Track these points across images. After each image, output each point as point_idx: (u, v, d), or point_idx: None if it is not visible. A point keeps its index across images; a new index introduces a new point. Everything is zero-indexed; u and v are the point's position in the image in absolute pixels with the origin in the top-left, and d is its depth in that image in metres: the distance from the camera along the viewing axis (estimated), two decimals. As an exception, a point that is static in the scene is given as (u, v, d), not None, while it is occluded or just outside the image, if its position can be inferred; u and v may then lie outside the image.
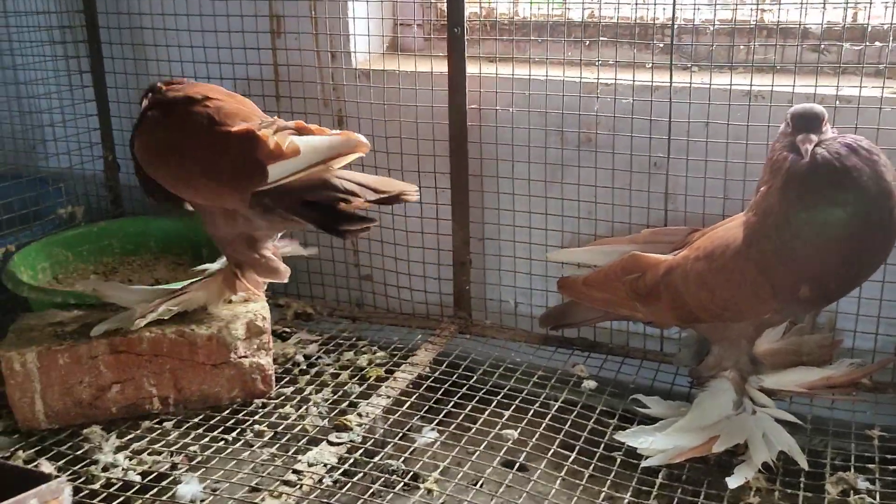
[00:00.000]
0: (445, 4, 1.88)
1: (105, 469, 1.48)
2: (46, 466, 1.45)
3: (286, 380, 1.79)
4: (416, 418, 1.64)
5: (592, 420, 1.61)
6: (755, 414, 1.55)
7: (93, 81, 2.28)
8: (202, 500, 1.39)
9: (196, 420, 1.64)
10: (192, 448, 1.55)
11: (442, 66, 1.91)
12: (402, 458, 1.51)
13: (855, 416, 1.60)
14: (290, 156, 1.51)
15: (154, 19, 2.18)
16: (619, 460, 1.50)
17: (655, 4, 1.78)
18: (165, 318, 1.68)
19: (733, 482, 1.42)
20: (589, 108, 1.82)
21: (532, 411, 1.63)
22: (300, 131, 1.59)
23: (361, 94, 2.02)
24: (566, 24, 1.91)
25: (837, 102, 1.62)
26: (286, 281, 1.76)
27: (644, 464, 1.49)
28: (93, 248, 2.17)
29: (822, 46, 1.70)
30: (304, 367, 1.85)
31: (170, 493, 1.40)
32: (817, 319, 1.73)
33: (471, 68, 1.89)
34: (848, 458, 1.48)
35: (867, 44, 1.63)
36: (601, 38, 1.81)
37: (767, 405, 1.57)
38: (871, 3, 1.65)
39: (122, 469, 1.48)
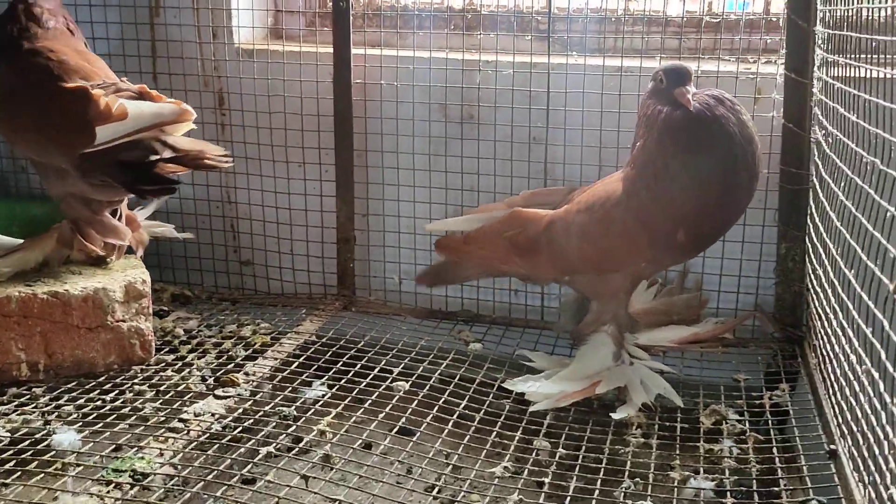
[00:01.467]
0: (330, -17, 1.93)
1: (-32, 430, 1.38)
2: None
3: (166, 350, 1.73)
4: (304, 376, 1.61)
5: (480, 374, 1.63)
6: (632, 364, 1.63)
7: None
8: (80, 449, 1.31)
9: (69, 386, 1.55)
10: (65, 409, 1.46)
11: (325, 48, 1.94)
12: (293, 408, 1.48)
13: (722, 368, 1.70)
14: (117, 119, 1.50)
15: None
16: (507, 406, 1.53)
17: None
18: (2, 279, 1.60)
19: (616, 415, 1.48)
20: (471, 84, 1.89)
21: (419, 370, 1.64)
22: (141, 96, 1.58)
23: (244, 71, 2.01)
24: (447, 11, 1.99)
25: (700, 74, 1.75)
26: (126, 242, 1.74)
27: (532, 408, 1.53)
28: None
29: (682, 33, 1.85)
30: (185, 339, 1.79)
31: (44, 444, 1.31)
32: (685, 283, 1.85)
33: (355, 49, 1.92)
34: (718, 398, 1.57)
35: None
36: (482, 19, 1.89)
37: (643, 358, 1.66)
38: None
39: (-11, 428, 1.38)
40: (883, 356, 1.02)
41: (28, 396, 1.52)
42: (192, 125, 1.60)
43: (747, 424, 1.48)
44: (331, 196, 2.01)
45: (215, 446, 1.32)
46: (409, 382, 1.59)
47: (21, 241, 1.74)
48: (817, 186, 1.52)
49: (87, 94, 1.51)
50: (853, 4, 1.24)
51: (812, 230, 1.61)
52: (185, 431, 1.35)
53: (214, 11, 2.01)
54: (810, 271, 1.63)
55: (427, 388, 1.56)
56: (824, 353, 1.43)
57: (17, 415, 1.43)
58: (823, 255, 1.43)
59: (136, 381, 1.58)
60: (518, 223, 1.66)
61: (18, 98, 1.61)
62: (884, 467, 1.02)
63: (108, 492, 1.17)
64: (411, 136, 1.95)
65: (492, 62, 1.88)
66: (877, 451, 1.05)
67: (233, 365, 1.65)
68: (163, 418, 1.42)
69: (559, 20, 1.91)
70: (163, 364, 1.66)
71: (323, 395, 1.54)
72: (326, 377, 1.60)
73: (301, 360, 1.67)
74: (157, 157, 1.53)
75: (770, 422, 1.48)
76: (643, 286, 1.78)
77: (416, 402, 1.51)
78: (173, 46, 2.05)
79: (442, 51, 1.93)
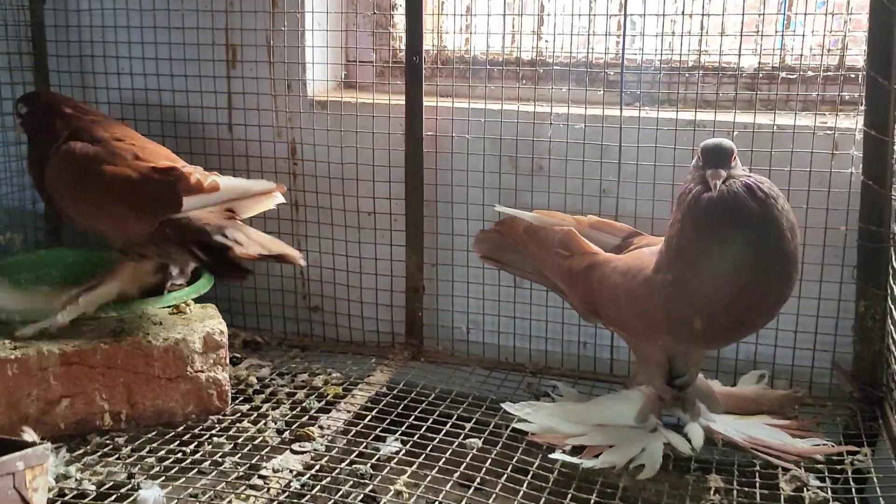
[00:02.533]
0: (402, 39, 1.97)
1: (57, 480, 1.41)
2: (30, 435, 1.38)
3: (241, 399, 1.76)
4: (377, 430, 1.62)
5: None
6: (655, 431, 1.57)
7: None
8: (165, 505, 1.34)
9: (150, 435, 1.59)
10: (148, 461, 1.49)
11: (397, 98, 1.97)
12: (369, 465, 1.49)
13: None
14: (209, 190, 1.66)
15: (106, 47, 2.18)
16: (581, 466, 1.51)
17: (607, 36, 1.89)
18: (89, 311, 1.69)
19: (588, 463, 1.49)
20: (541, 136, 1.90)
21: (491, 426, 1.63)
22: None
23: (317, 122, 2.06)
24: (518, 62, 2.01)
25: (776, 129, 1.74)
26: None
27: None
28: (31, 276, 2.09)
29: (756, 85, 1.84)
30: (258, 388, 1.82)
31: (130, 500, 1.34)
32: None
33: (427, 101, 1.95)
34: (797, 463, 1.53)
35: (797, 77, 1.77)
36: (554, 67, 1.90)
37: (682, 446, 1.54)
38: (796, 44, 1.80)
39: (76, 480, 1.42)
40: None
41: (111, 446, 1.55)
42: (281, 198, 1.76)
43: (829, 492, 1.44)
44: (400, 245, 2.03)
45: (295, 505, 1.34)
46: (482, 439, 1.59)
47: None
48: (901, 246, 1.49)
49: (178, 170, 1.68)
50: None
51: (894, 289, 1.57)
52: (266, 489, 1.37)
53: (289, 65, 2.06)
54: (892, 331, 1.59)
55: (500, 445, 1.56)
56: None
57: (102, 466, 1.47)
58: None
59: (213, 432, 1.61)
60: (569, 247, 1.64)
61: (98, 178, 1.72)
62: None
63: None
64: (481, 188, 1.97)
65: (563, 115, 1.89)
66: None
67: (307, 417, 1.67)
68: (242, 473, 1.44)
69: (631, 71, 1.92)
70: (238, 414, 1.68)
71: (397, 452, 1.55)
72: (399, 432, 1.61)
73: (374, 412, 1.68)
74: (246, 251, 1.63)
75: (853, 489, 1.44)
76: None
77: (489, 460, 1.50)
78: (249, 99, 2.10)
79: (512, 102, 1.94)
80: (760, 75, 1.82)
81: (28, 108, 1.87)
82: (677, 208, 1.45)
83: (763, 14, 1.77)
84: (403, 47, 1.95)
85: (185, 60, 2.12)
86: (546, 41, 1.99)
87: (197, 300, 1.87)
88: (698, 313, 1.41)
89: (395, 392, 1.79)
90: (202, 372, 1.66)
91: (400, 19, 2.06)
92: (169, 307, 1.80)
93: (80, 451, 1.53)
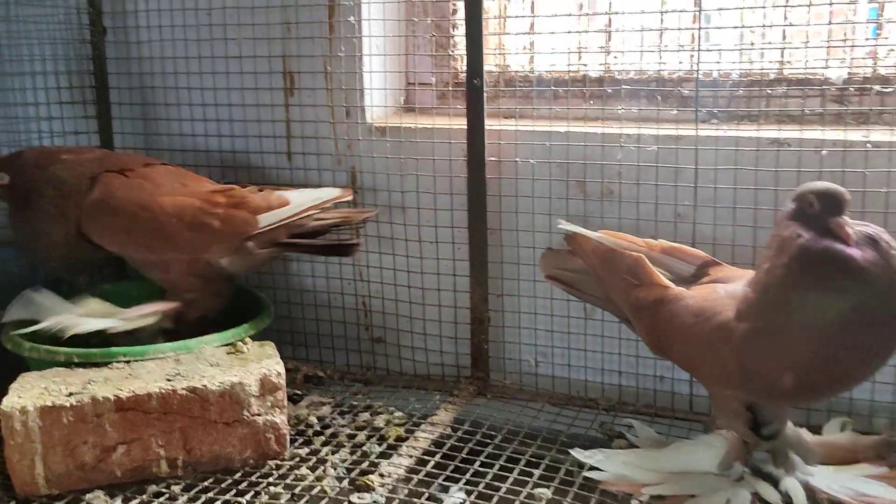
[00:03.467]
0: (463, 60, 1.88)
1: (111, 534, 1.37)
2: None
3: (300, 441, 1.70)
4: (440, 478, 1.54)
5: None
6: (741, 480, 1.44)
7: (100, 142, 2.23)
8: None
9: (206, 483, 1.54)
10: (204, 511, 1.44)
11: (458, 122, 1.89)
12: (431, 519, 1.41)
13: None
14: (277, 206, 1.79)
15: (165, 78, 2.16)
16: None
17: (680, 52, 1.77)
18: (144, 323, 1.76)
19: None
20: (611, 158, 1.80)
21: (562, 472, 1.53)
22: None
23: (376, 149, 1.99)
24: (584, 79, 1.90)
25: (869, 146, 1.60)
26: None
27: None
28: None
29: (845, 97, 1.69)
30: (318, 429, 1.76)
31: (184, 557, 1.29)
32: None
33: (489, 123, 1.86)
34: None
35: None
36: (623, 87, 1.79)
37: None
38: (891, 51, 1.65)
39: (130, 534, 1.37)
40: None
41: (167, 496, 1.51)
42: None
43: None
44: (464, 276, 1.94)
45: (351, 563, 1.26)
46: (552, 488, 1.49)
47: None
48: None
49: (240, 191, 1.77)
50: None
51: None
52: (322, 547, 1.30)
53: (347, 91, 2.00)
54: None
55: (571, 495, 1.46)
56: None
57: (157, 518, 1.42)
58: None
59: (271, 479, 1.54)
60: (637, 275, 1.52)
61: (159, 210, 1.74)
62: None
63: None
64: (548, 215, 1.87)
65: (633, 135, 1.78)
66: None
67: (367, 463, 1.60)
68: (298, 527, 1.38)
69: (706, 87, 1.79)
70: (297, 459, 1.62)
71: (462, 503, 1.46)
72: (464, 479, 1.52)
73: (437, 457, 1.60)
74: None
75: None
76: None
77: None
78: (307, 126, 2.05)
79: (579, 123, 1.84)
80: (851, 88, 1.68)
81: (10, 172, 1.83)
82: (776, 254, 1.33)
83: (851, 22, 1.63)
84: (464, 69, 1.87)
85: (243, 89, 2.09)
86: (614, 57, 1.89)
87: (257, 336, 1.83)
88: (791, 370, 1.29)
89: (459, 433, 1.70)
90: (259, 415, 1.60)
91: (460, 39, 1.98)
92: (227, 345, 1.76)
93: (137, 501, 1.49)
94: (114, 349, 1.71)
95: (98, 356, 1.69)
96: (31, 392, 1.54)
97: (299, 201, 1.80)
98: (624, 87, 1.80)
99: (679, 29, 1.77)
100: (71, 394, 1.53)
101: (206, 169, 2.14)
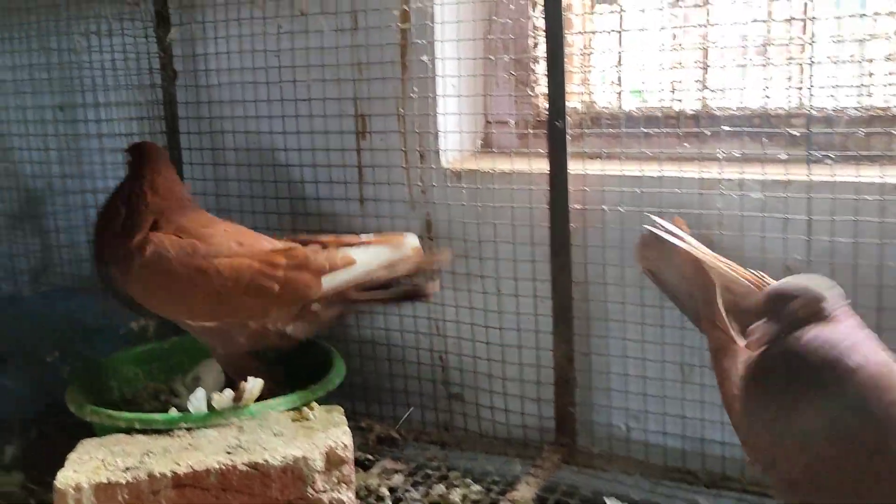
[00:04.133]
0: (544, 98, 1.74)
1: None
2: None
3: (369, 518, 1.58)
4: (522, 570, 1.39)
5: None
6: None
7: (171, 188, 2.18)
8: None
9: (267, 567, 1.43)
10: None
11: (540, 165, 1.74)
12: None
13: None
14: (342, 266, 1.65)
15: (235, 123, 2.09)
16: None
17: (789, 90, 1.58)
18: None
19: None
20: (710, 206, 1.62)
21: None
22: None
23: (451, 195, 1.86)
24: (679, 117, 1.73)
25: None
26: None
27: None
28: (163, 365, 2.02)
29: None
30: (390, 503, 1.63)
31: None
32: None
33: (573, 166, 1.71)
34: None
35: None
36: (723, 126, 1.61)
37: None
38: None
39: None
40: None
41: (225, 580, 1.40)
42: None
43: None
44: (547, 332, 1.79)
45: None
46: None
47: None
48: None
49: (301, 251, 1.65)
50: None
51: None
52: None
53: (421, 134, 1.88)
54: None
55: None
56: None
57: None
58: None
59: (336, 564, 1.42)
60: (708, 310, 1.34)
61: (215, 274, 1.63)
62: None
63: None
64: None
65: (735, 179, 1.60)
66: None
67: (441, 548, 1.46)
68: None
69: (819, 124, 1.60)
70: (365, 540, 1.50)
71: None
72: (547, 572, 1.37)
73: (517, 544, 1.45)
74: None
75: None
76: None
77: None
78: (379, 172, 1.94)
79: (674, 165, 1.67)
80: None
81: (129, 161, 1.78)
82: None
83: None
84: (546, 106, 1.72)
85: (313, 133, 1.99)
86: (712, 92, 1.71)
87: (325, 397, 1.72)
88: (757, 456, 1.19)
89: (543, 513, 1.55)
90: (325, 492, 1.48)
91: (541, 76, 1.84)
92: (294, 409, 1.65)
93: (193, 586, 1.39)
94: (175, 416, 1.63)
95: (159, 422, 1.60)
96: (88, 465, 1.46)
97: (366, 260, 1.66)
98: (724, 125, 1.62)
99: (788, 63, 1.58)
100: (127, 468, 1.44)
101: (276, 216, 2.06)
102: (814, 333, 1.12)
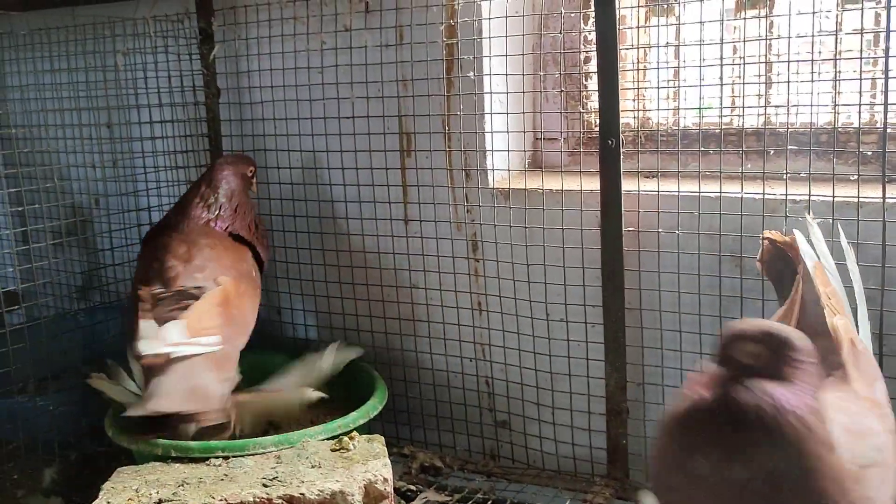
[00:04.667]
0: (596, 115, 1.66)
1: None
2: None
3: (410, 555, 1.51)
4: None
5: None
6: None
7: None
8: None
9: None
10: None
11: (591, 184, 1.67)
12: None
13: None
14: None
15: (278, 140, 2.05)
16: None
17: (860, 107, 1.48)
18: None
19: None
20: (773, 229, 1.52)
21: None
22: None
23: (499, 215, 1.79)
24: (740, 134, 1.64)
25: None
26: None
27: None
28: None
29: None
30: (432, 539, 1.56)
31: None
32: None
33: (626, 185, 1.63)
34: None
35: None
36: (788, 145, 1.52)
37: None
38: None
39: None
40: None
41: None
42: None
43: None
44: (598, 360, 1.70)
45: None
46: None
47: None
48: None
49: None
50: None
51: None
52: None
53: (467, 153, 1.81)
54: None
55: None
56: None
57: None
58: None
59: None
60: None
61: None
62: None
63: None
64: (696, 294, 1.60)
65: (801, 201, 1.50)
66: None
67: (484, 593, 1.38)
68: None
69: (894, 140, 1.50)
70: (406, 579, 1.43)
71: None
72: None
73: (566, 588, 1.36)
74: None
75: None
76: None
77: None
78: (424, 191, 1.88)
79: (734, 185, 1.57)
80: None
81: None
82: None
83: None
84: (597, 122, 1.64)
85: (356, 152, 1.94)
86: (776, 108, 1.61)
87: (367, 424, 1.66)
88: None
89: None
90: (363, 529, 1.42)
91: (593, 92, 1.76)
92: (334, 438, 1.59)
93: None
94: (213, 443, 1.58)
95: (196, 450, 1.55)
96: (121, 496, 1.41)
97: None
98: (789, 144, 1.53)
99: (858, 78, 1.47)
100: (161, 500, 1.40)
101: (319, 236, 2.01)
102: (760, 390, 1.00)
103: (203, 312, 1.61)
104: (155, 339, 1.55)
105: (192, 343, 1.54)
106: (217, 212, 1.82)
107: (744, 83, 1.58)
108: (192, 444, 1.58)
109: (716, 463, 0.99)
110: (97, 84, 2.15)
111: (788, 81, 1.52)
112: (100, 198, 2.30)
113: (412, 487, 1.74)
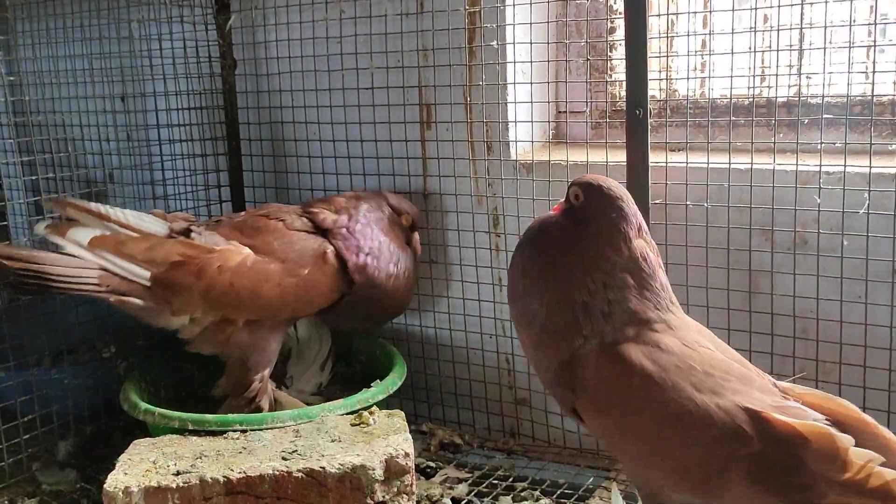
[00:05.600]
0: (622, 86, 1.62)
1: None
2: None
3: (431, 532, 1.48)
4: None
5: None
6: None
7: (230, 180, 2.12)
8: None
9: (322, 582, 1.34)
10: None
11: (617, 156, 1.63)
12: None
13: None
14: None
15: (295, 112, 2.01)
16: None
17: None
18: None
19: None
20: (806, 202, 1.48)
21: None
22: None
23: (521, 188, 1.75)
24: (771, 105, 1.59)
25: None
26: None
27: None
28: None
29: None
30: (453, 515, 1.54)
31: None
32: None
33: (653, 158, 1.59)
34: None
35: None
36: (822, 115, 1.47)
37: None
38: None
39: None
40: None
41: None
42: None
43: None
44: (623, 336, 1.66)
45: None
46: None
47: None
48: None
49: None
50: None
51: None
52: None
53: (489, 124, 1.78)
54: None
55: None
56: None
57: None
58: None
59: (395, 581, 1.33)
60: None
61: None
62: None
63: None
64: (725, 269, 1.57)
65: (835, 173, 1.46)
66: None
67: (507, 569, 1.36)
68: None
69: (928, 112, 1.45)
70: (427, 555, 1.40)
71: None
72: None
73: (591, 566, 1.34)
74: None
75: None
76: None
77: None
78: (445, 164, 1.84)
79: (766, 157, 1.53)
80: None
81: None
82: None
83: None
84: (623, 94, 1.60)
85: (375, 124, 1.90)
86: (808, 77, 1.56)
87: (386, 401, 1.64)
88: None
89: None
90: (384, 503, 1.39)
91: (619, 62, 1.72)
92: (353, 413, 1.57)
93: None
94: (230, 417, 1.56)
95: (213, 423, 1.54)
96: (139, 468, 1.40)
97: None
98: (824, 114, 1.48)
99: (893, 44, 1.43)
100: (179, 472, 1.37)
101: (337, 210, 1.97)
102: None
103: (141, 242, 1.59)
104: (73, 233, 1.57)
105: (88, 249, 1.55)
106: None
107: (777, 50, 1.53)
108: (209, 417, 1.56)
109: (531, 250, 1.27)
110: (111, 54, 2.12)
111: (825, 48, 1.47)
112: (114, 171, 2.27)
113: (431, 464, 1.72)
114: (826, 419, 1.10)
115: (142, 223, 1.66)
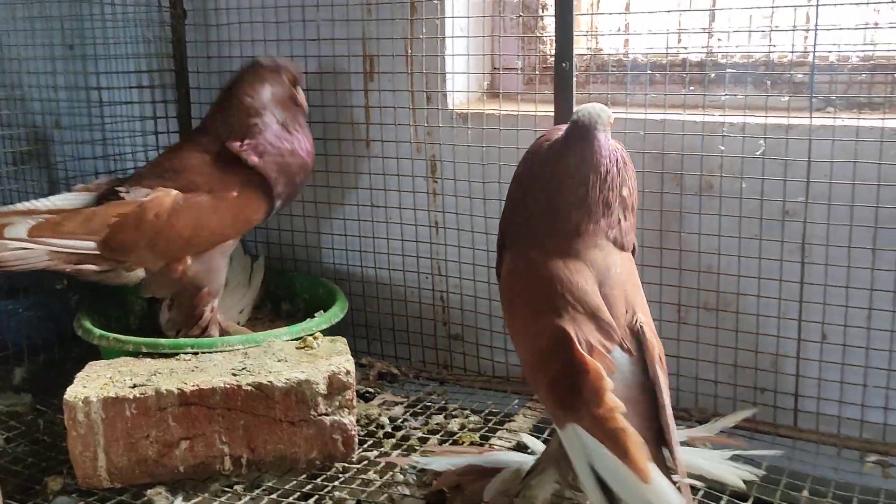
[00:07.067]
0: (551, 42, 1.76)
1: (169, 535, 1.32)
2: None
3: (369, 443, 1.61)
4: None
5: None
6: None
7: (179, 127, 2.20)
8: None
9: (270, 484, 1.47)
10: (264, 516, 1.37)
11: (545, 109, 1.77)
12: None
13: None
14: None
15: (244, 61, 2.09)
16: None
17: (794, 31, 1.59)
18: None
19: None
20: (712, 150, 1.64)
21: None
22: None
23: (457, 136, 1.88)
24: (684, 64, 1.75)
25: None
26: None
27: None
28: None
29: None
30: (389, 430, 1.67)
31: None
32: None
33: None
34: None
35: None
36: (727, 72, 1.64)
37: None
38: None
39: (187, 536, 1.31)
40: None
41: (229, 495, 1.44)
42: None
43: None
44: (549, 273, 1.82)
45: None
46: None
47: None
48: None
49: None
50: None
51: None
52: (384, 564, 1.20)
53: (428, 76, 1.90)
54: None
55: None
56: None
57: (217, 520, 1.36)
58: None
59: (336, 483, 1.47)
60: None
61: None
62: None
63: None
64: (640, 210, 1.72)
65: (738, 124, 1.62)
66: None
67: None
68: (361, 538, 1.29)
69: (822, 70, 1.62)
70: (365, 463, 1.54)
71: (538, 519, 1.35)
72: (542, 494, 1.41)
73: (513, 468, 1.48)
74: None
75: None
76: None
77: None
78: (386, 113, 1.96)
79: (678, 111, 1.69)
80: None
81: None
82: None
83: None
84: (552, 52, 1.74)
85: (322, 74, 2.01)
86: (718, 39, 1.73)
87: (330, 329, 1.76)
88: None
89: (540, 439, 1.58)
90: (326, 416, 1.52)
91: (550, 21, 1.85)
92: (297, 339, 1.69)
93: (198, 499, 1.43)
94: (182, 340, 1.67)
95: (166, 347, 1.64)
96: (96, 382, 1.50)
97: None
98: (728, 71, 1.65)
99: (793, 6, 1.59)
100: (135, 385, 1.48)
101: (283, 156, 2.08)
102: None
103: (76, 217, 1.65)
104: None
105: (32, 241, 1.60)
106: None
107: (689, 10, 1.69)
108: (163, 340, 1.67)
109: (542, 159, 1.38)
110: (61, 2, 2.17)
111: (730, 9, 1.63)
112: (62, 117, 2.33)
113: (371, 390, 1.85)
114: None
115: (70, 202, 1.73)
